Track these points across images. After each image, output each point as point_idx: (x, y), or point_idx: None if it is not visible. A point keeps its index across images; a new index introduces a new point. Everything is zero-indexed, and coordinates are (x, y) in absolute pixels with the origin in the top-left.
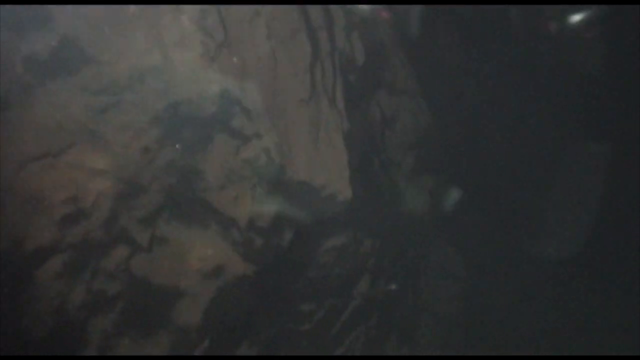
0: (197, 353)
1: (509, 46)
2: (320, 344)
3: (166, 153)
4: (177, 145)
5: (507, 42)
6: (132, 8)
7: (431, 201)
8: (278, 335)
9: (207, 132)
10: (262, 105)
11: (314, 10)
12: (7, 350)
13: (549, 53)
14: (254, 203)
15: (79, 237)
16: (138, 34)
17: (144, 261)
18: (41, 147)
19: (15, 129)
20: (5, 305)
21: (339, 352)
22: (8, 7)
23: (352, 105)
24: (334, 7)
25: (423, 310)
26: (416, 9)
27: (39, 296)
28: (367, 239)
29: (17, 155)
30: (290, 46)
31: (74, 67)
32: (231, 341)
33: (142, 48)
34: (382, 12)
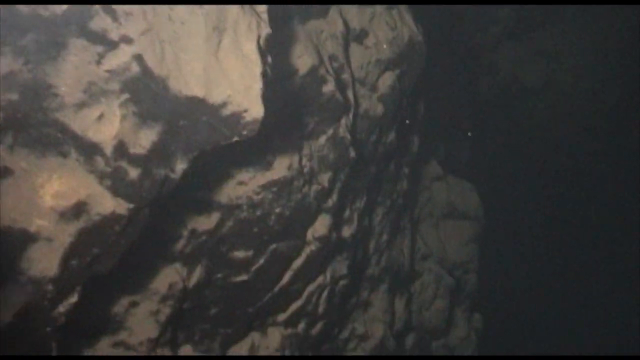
0: (61, 310)
1: None
2: (267, 297)
3: (1, 62)
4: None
5: None
6: None
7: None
8: (201, 288)
9: (57, 37)
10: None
11: None
12: None
13: None
14: (124, 124)
15: None
16: None
17: None
18: None
19: None
20: None
21: (295, 306)
22: None
23: (284, 10)
24: None
25: (426, 256)
26: None
27: None
28: (322, 173)
29: None
30: None
31: None
32: (108, 295)
33: None
34: None
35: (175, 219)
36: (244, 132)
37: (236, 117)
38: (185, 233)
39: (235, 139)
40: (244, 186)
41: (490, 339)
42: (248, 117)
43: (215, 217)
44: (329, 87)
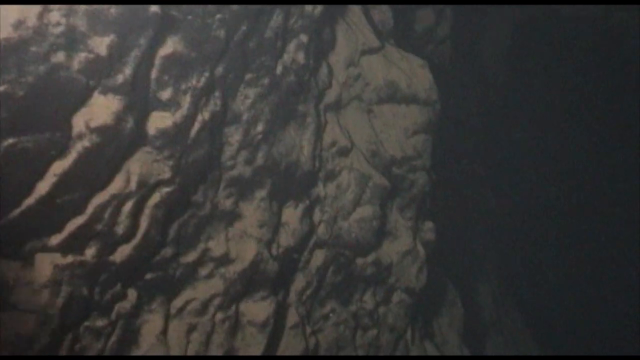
0: None
1: None
2: (15, 213)
3: None
4: None
5: None
6: None
7: None
8: None
9: None
10: None
11: None
12: None
13: None
14: None
15: None
16: None
17: None
18: None
19: None
20: None
21: (74, 224)
22: None
23: None
24: None
25: (346, 151)
26: None
27: None
28: (96, 36)
29: None
30: None
31: None
32: None
33: None
34: None
35: None
36: None
37: None
38: None
39: None
40: None
41: (446, 252)
42: None
43: None
44: None
